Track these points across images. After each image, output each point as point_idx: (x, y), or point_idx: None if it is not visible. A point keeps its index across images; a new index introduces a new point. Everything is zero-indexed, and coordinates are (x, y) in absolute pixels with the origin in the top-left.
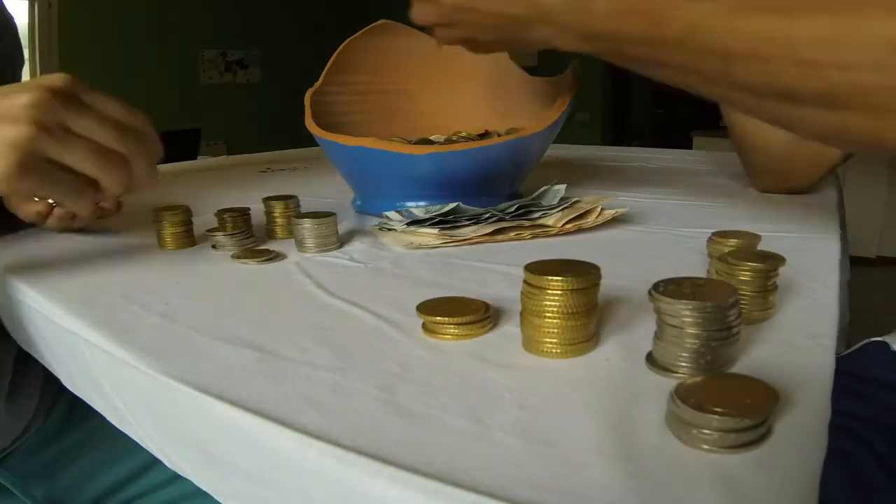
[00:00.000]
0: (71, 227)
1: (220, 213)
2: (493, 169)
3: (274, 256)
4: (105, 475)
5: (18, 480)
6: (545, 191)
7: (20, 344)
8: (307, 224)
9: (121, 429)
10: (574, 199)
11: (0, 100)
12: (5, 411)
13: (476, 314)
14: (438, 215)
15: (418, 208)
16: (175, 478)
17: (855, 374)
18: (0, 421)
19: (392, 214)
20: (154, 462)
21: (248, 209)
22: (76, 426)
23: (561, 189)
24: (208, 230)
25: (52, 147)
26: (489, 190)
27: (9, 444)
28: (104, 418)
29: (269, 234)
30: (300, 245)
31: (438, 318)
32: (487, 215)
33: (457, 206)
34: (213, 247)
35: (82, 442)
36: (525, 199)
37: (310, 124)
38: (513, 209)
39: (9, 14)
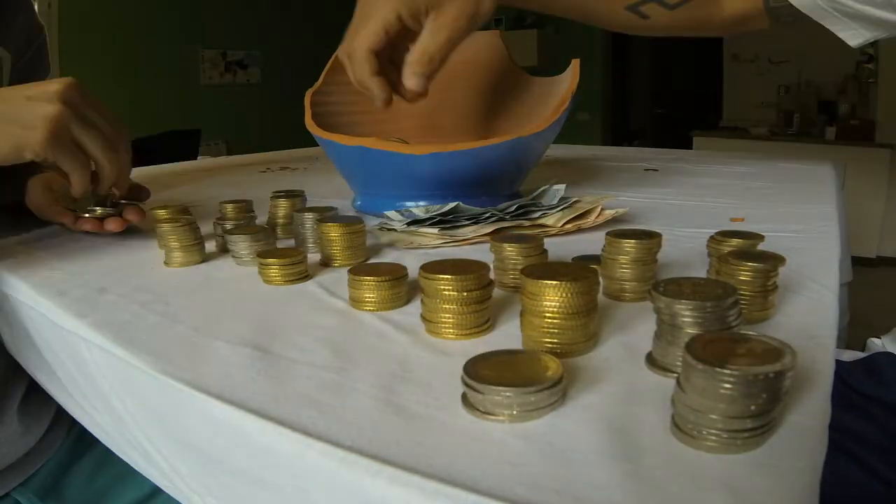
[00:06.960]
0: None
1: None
2: (494, 169)
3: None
4: (122, 494)
5: (38, 500)
6: (545, 190)
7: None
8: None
9: (116, 434)
10: (574, 199)
11: (36, 87)
12: (18, 423)
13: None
14: (438, 215)
15: (418, 208)
16: None
17: (864, 393)
18: (13, 434)
19: (392, 214)
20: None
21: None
22: (92, 442)
23: (560, 189)
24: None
25: (75, 125)
26: (489, 190)
27: (22, 457)
28: None
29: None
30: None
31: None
32: (487, 215)
33: (457, 205)
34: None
35: (100, 459)
36: (525, 198)
37: (310, 124)
38: (513, 209)
39: (39, 25)
